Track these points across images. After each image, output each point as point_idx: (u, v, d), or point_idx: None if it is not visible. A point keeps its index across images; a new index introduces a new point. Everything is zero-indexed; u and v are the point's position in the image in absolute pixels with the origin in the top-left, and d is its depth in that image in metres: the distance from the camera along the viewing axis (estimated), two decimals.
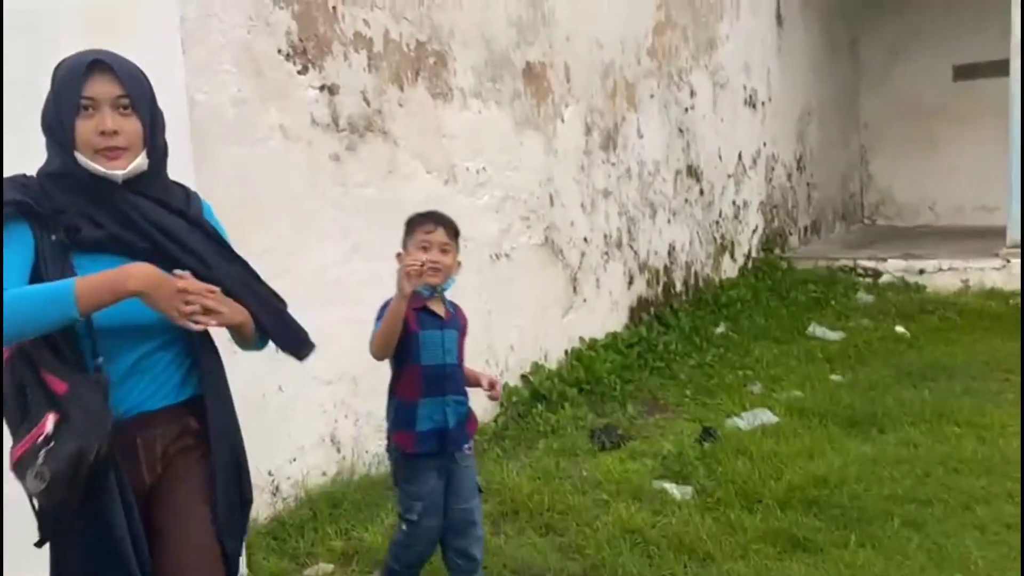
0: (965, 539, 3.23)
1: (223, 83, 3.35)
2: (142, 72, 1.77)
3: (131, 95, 1.71)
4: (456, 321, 2.71)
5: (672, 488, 3.84)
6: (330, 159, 3.84)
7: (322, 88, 3.78)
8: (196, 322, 1.71)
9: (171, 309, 1.67)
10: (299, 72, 3.67)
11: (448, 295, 2.71)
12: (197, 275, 1.75)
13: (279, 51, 3.58)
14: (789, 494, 3.67)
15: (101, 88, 1.69)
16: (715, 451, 4.25)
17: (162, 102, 3.00)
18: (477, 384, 2.74)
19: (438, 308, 2.65)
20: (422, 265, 2.42)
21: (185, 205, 1.85)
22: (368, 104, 4.01)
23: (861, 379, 5.42)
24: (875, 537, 3.27)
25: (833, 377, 5.53)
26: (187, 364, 1.84)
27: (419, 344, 2.58)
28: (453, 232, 2.64)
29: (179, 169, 3.07)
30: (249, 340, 1.91)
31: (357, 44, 3.94)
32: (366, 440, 4.05)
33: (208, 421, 1.84)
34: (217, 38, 3.29)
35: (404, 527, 2.69)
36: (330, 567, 3.21)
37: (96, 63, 1.69)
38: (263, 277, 1.95)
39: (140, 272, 1.65)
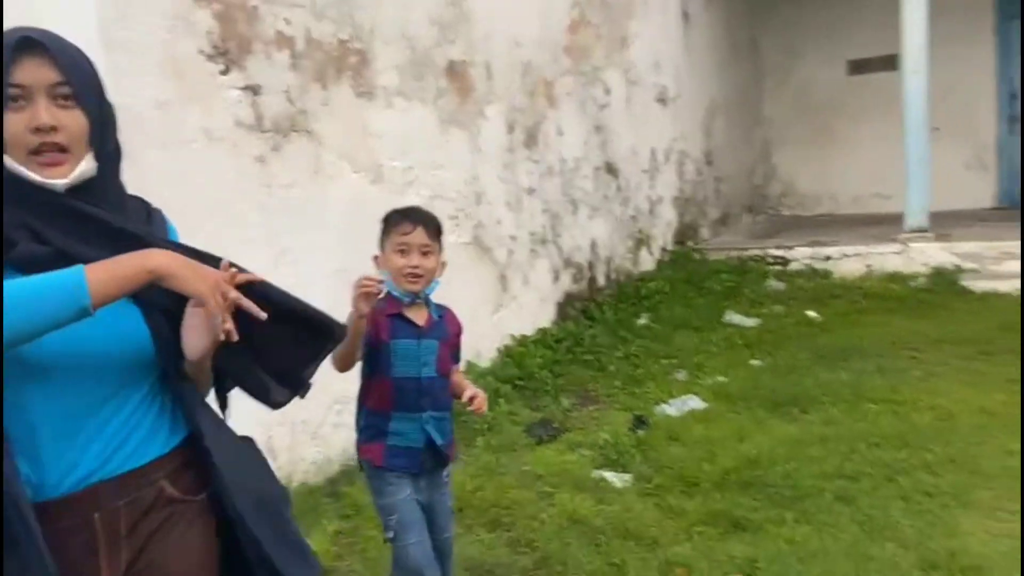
0: (892, 510, 3.40)
1: (144, 85, 3.24)
2: (86, 56, 1.42)
3: (72, 82, 1.35)
4: (440, 329, 2.45)
5: (612, 476, 3.91)
6: (255, 161, 3.76)
7: (245, 89, 3.70)
8: (226, 326, 1.34)
9: (211, 295, 1.32)
10: (221, 73, 3.58)
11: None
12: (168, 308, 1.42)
13: (200, 51, 3.48)
14: (724, 476, 3.79)
15: (34, 73, 1.32)
16: (649, 438, 4.35)
17: None
18: (459, 396, 2.48)
19: (417, 315, 2.41)
20: (376, 280, 2.15)
21: (146, 224, 1.51)
22: (292, 104, 3.94)
23: (780, 363, 5.62)
24: (809, 513, 3.41)
25: (753, 362, 5.72)
26: (156, 408, 1.45)
27: (390, 355, 2.35)
28: (435, 231, 2.40)
29: None
30: (204, 379, 1.53)
31: (279, 43, 3.87)
32: (302, 447, 3.98)
33: (216, 469, 1.46)
34: (137, 39, 3.18)
35: (393, 554, 2.46)
36: None
37: (27, 42, 1.32)
38: None
39: (160, 251, 1.33)
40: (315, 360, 1.56)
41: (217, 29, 3.54)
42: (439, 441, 2.41)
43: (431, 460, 2.44)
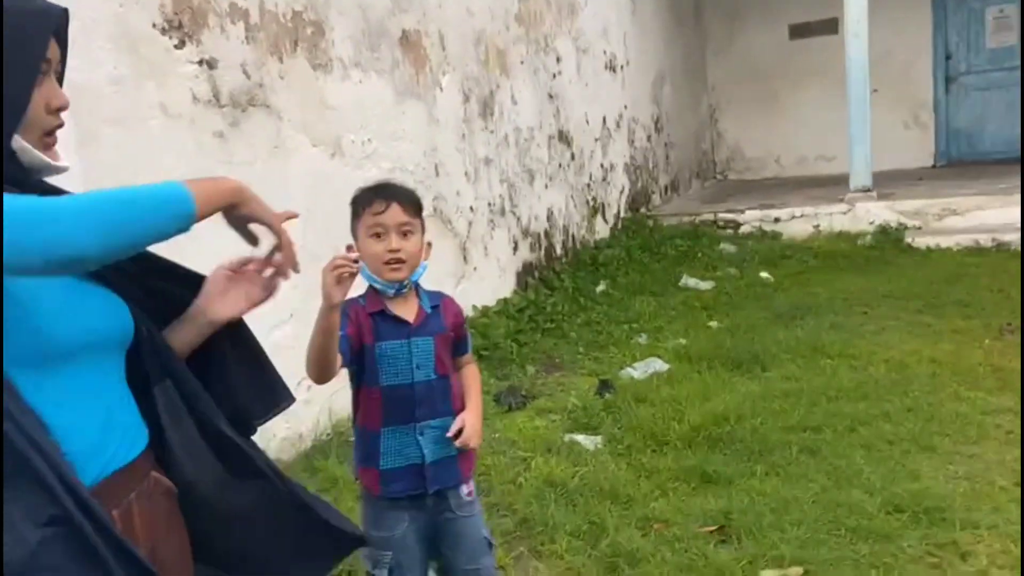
0: (856, 458, 3.52)
1: (98, 61, 3.15)
2: None
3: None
4: (435, 322, 2.08)
5: (583, 439, 3.97)
6: (215, 136, 3.69)
7: (201, 63, 3.61)
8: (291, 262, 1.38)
9: (279, 224, 1.33)
10: (176, 47, 3.49)
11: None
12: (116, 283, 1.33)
13: (154, 25, 3.39)
14: (692, 434, 3.87)
15: (54, 49, 1.23)
16: (616, 401, 4.42)
17: None
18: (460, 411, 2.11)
19: (405, 309, 2.04)
20: (352, 259, 1.76)
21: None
22: (248, 77, 3.87)
23: (737, 323, 5.74)
24: (777, 465, 3.52)
25: (711, 323, 5.84)
26: (130, 394, 1.35)
27: (375, 360, 2.00)
28: (413, 207, 2.02)
29: (64, 154, 2.89)
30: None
31: (233, 15, 3.78)
32: (272, 425, 3.93)
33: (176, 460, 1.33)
34: (88, 13, 3.08)
35: None
36: None
37: (66, 15, 1.23)
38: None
39: (229, 178, 1.30)
40: (264, 416, 1.53)
41: (170, 2, 3.45)
42: (431, 458, 2.05)
43: (438, 478, 2.07)
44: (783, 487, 3.32)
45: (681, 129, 10.51)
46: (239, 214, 1.30)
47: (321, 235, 4.27)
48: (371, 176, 4.66)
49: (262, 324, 3.76)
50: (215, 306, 1.42)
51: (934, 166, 10.68)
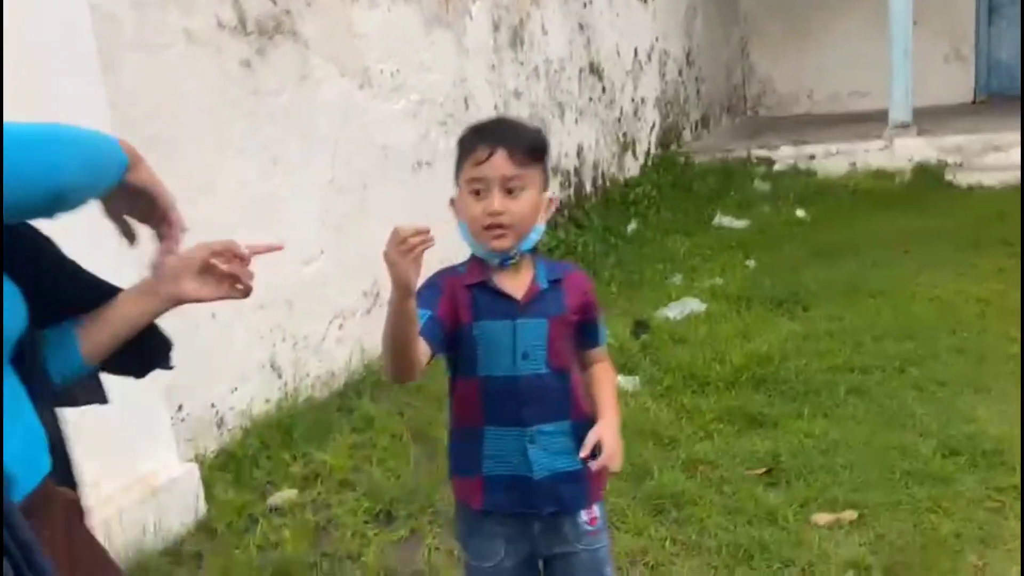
0: (907, 400, 3.42)
1: None
2: None
3: None
4: (551, 301, 1.60)
5: (621, 380, 3.84)
6: (241, 65, 3.54)
7: None
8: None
9: (167, 193, 1.18)
10: None
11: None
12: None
13: None
14: (735, 374, 3.77)
15: None
16: (653, 342, 4.31)
17: (60, 6, 2.66)
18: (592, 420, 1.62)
19: (512, 283, 1.58)
20: (426, 231, 1.31)
21: None
22: (275, 3, 3.70)
23: (775, 262, 5.59)
24: (825, 406, 3.42)
25: (748, 262, 5.69)
26: None
27: (474, 344, 1.57)
28: (526, 152, 1.53)
29: (88, 80, 2.76)
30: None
31: None
32: (306, 363, 3.89)
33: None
34: None
35: None
36: (293, 492, 3.09)
37: None
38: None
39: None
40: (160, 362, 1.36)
41: None
42: (541, 473, 1.60)
43: (552, 498, 1.62)
44: (832, 429, 3.22)
45: (712, 63, 10.19)
46: (129, 183, 1.14)
47: (348, 168, 4.16)
48: (400, 108, 4.52)
49: (293, 260, 3.64)
50: (188, 285, 1.25)
51: (974, 101, 10.33)
